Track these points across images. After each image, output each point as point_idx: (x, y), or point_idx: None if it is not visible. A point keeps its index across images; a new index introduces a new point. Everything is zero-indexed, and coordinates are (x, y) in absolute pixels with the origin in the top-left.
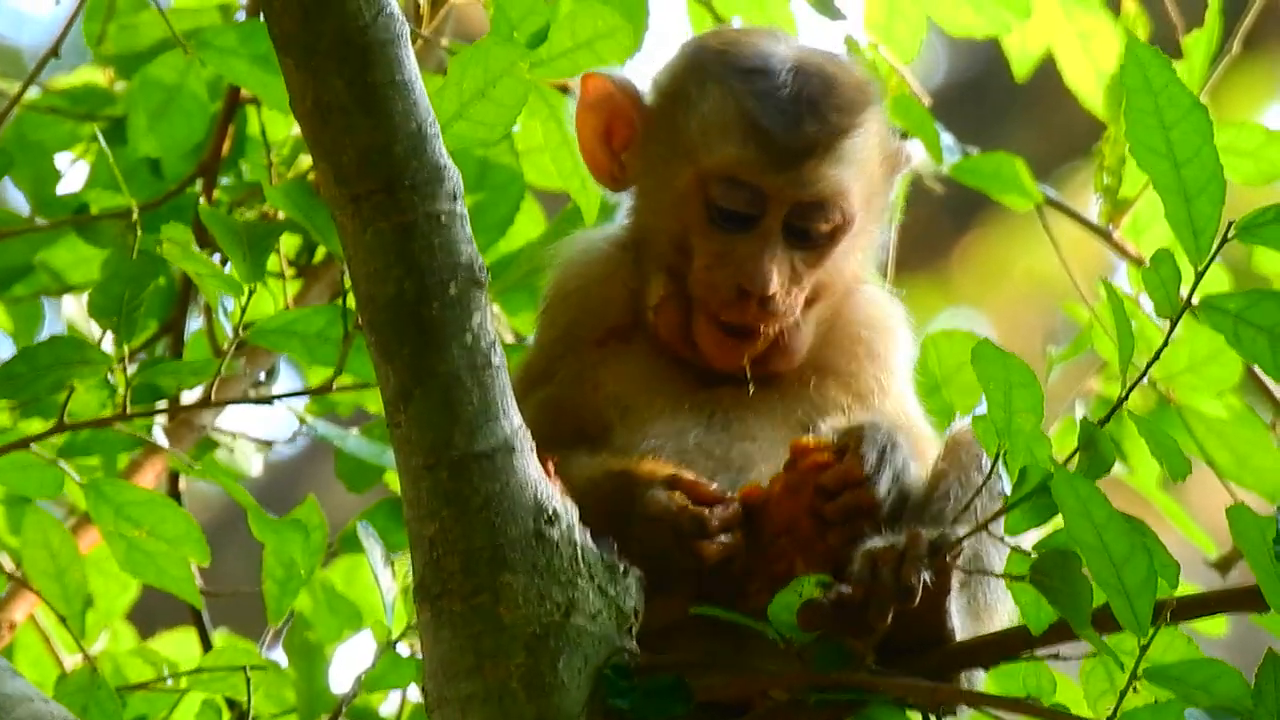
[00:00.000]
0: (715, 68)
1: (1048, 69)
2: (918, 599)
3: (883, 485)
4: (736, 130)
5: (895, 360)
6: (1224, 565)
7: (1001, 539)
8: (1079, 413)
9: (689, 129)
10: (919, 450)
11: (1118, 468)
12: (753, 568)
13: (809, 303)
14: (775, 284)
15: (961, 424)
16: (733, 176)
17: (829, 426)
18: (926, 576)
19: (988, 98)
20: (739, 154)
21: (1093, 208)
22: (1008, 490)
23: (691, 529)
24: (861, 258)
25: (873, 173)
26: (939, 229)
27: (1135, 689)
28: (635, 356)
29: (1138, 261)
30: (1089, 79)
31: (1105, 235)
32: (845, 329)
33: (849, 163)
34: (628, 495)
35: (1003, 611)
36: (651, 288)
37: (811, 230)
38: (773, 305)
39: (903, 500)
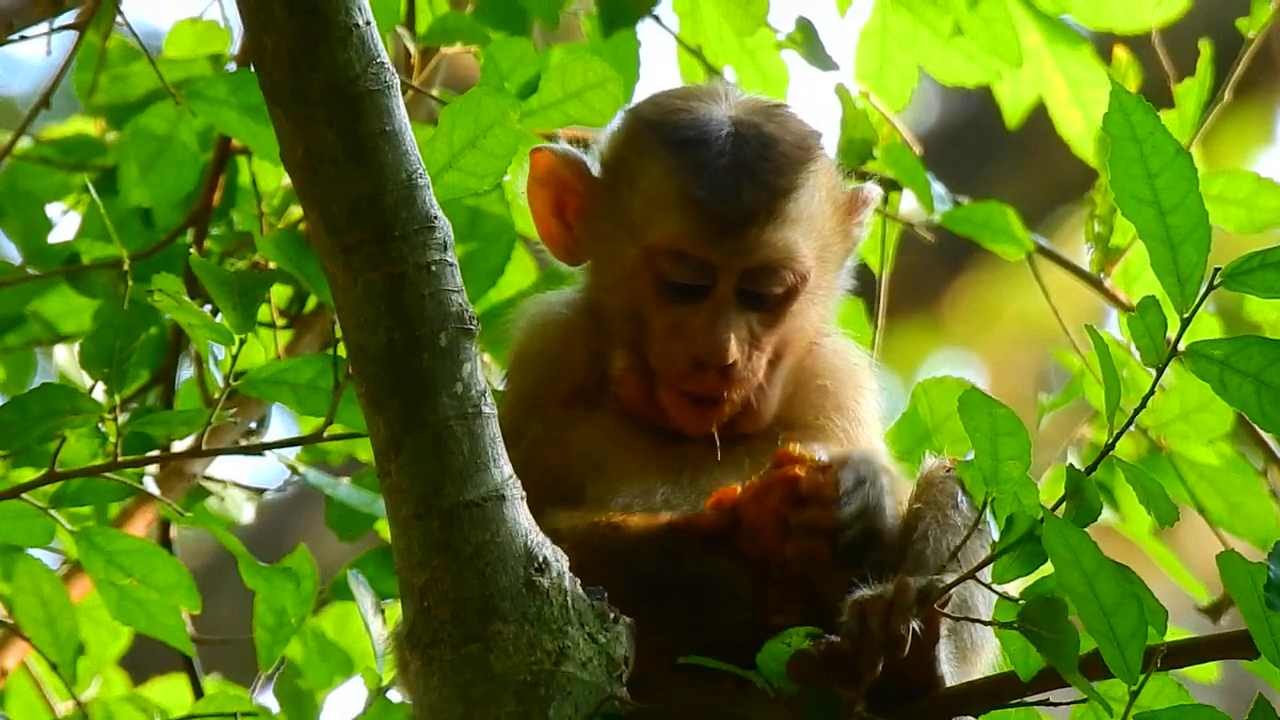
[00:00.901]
0: (653, 141)
1: (1038, 112)
2: (907, 648)
3: (849, 509)
4: (677, 205)
5: (862, 411)
6: (1215, 611)
7: (989, 586)
8: (1071, 459)
9: (632, 205)
10: (895, 492)
11: (1109, 514)
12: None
13: (772, 363)
14: (733, 352)
15: (933, 462)
16: (678, 250)
17: (823, 450)
18: (915, 625)
19: (978, 141)
20: (681, 228)
21: (1084, 255)
22: (994, 536)
23: (750, 597)
24: (822, 311)
25: (823, 226)
26: (931, 272)
27: None
28: (602, 416)
29: (1128, 309)
30: (1080, 127)
31: (1096, 283)
32: (810, 382)
33: (795, 222)
34: (654, 557)
35: (988, 650)
36: (614, 360)
37: (765, 294)
38: (734, 372)
39: (870, 537)
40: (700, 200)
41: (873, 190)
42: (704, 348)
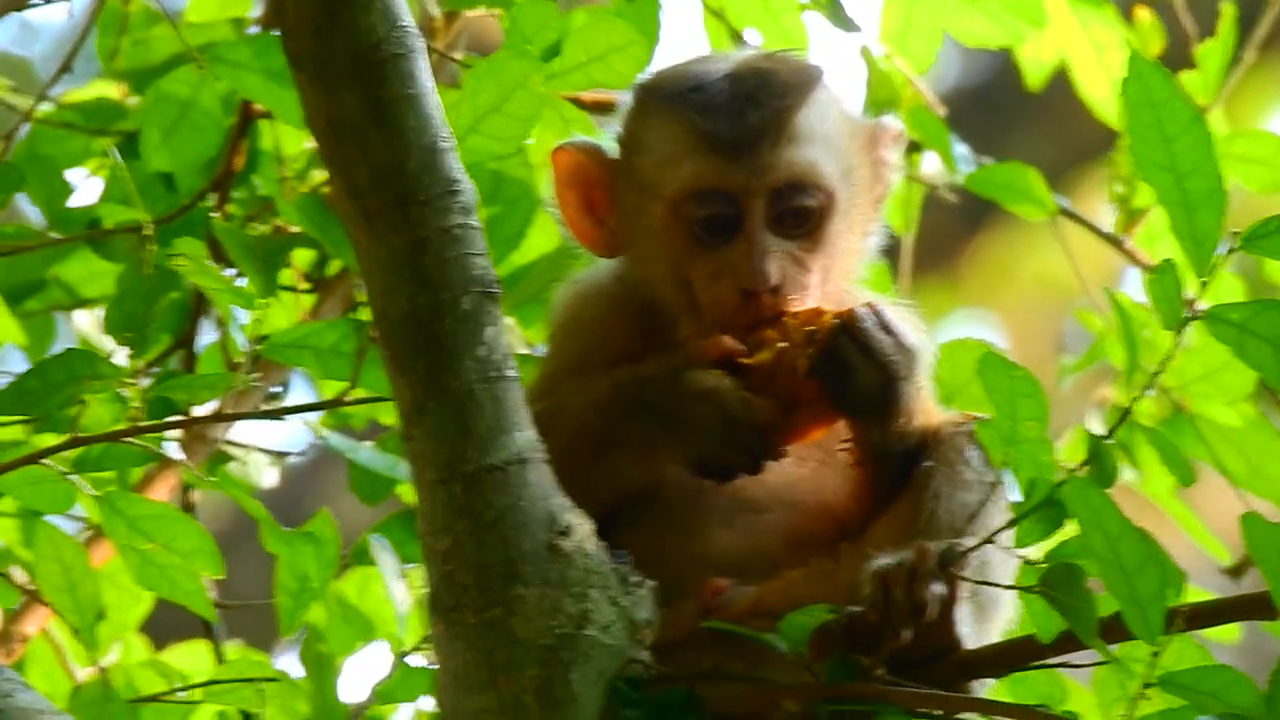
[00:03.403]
0: (654, 102)
1: (1060, 73)
2: (932, 613)
3: (881, 341)
4: (686, 146)
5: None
6: (1237, 572)
7: (1009, 550)
8: (1091, 421)
9: (647, 167)
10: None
11: (1130, 474)
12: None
13: (822, 291)
14: (774, 273)
15: (941, 417)
16: (698, 190)
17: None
18: (938, 589)
19: (999, 102)
20: (695, 166)
21: (1106, 216)
22: (1012, 496)
23: (742, 412)
24: (860, 245)
25: (841, 147)
26: (951, 231)
27: (1147, 696)
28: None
29: (1150, 269)
30: (1103, 89)
31: (1118, 244)
32: None
33: (807, 139)
34: (660, 385)
35: (1005, 608)
36: (681, 330)
37: (796, 216)
38: (783, 293)
39: (884, 393)
40: (706, 133)
41: (893, 122)
42: (746, 276)
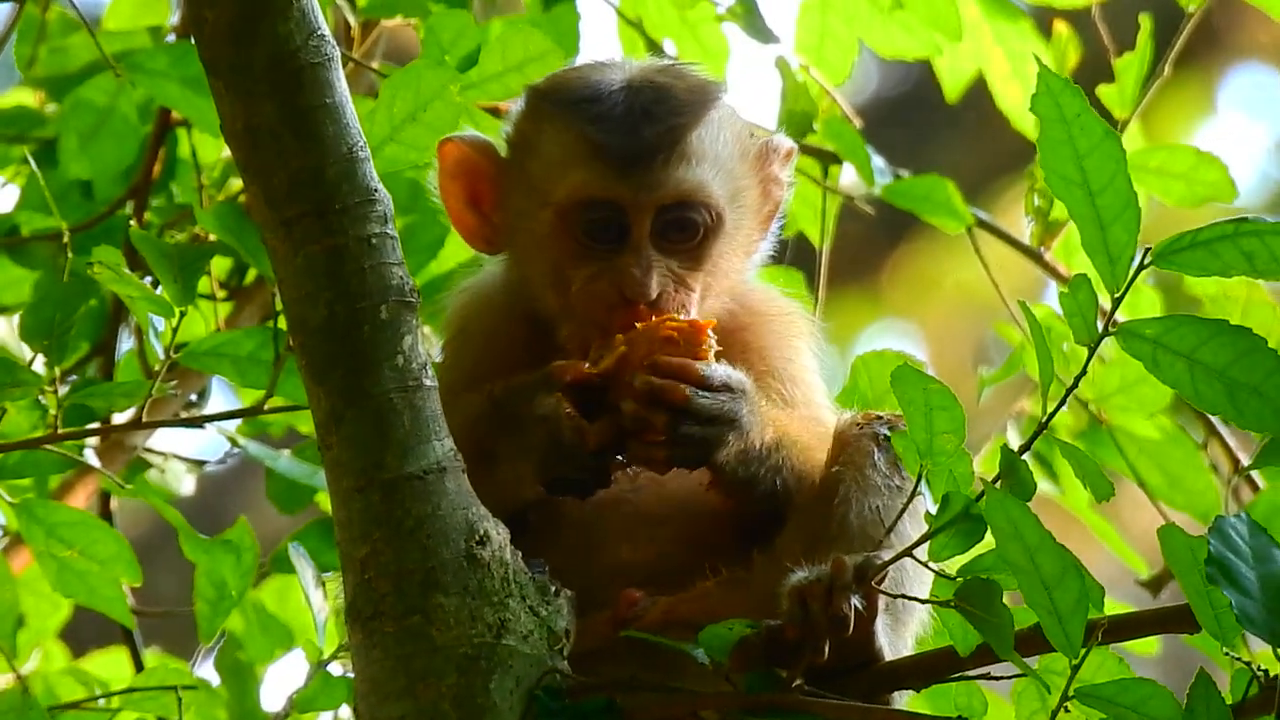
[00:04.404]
0: (548, 107)
1: (979, 84)
2: (851, 627)
3: (703, 402)
4: (579, 155)
5: (794, 368)
6: (1155, 585)
7: (926, 564)
8: (1010, 433)
9: (536, 171)
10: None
11: (1049, 487)
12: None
13: (699, 307)
14: (654, 286)
15: (845, 418)
16: (586, 199)
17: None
18: (856, 602)
19: (918, 113)
20: (586, 176)
21: (1025, 227)
22: (929, 506)
23: (572, 438)
24: (742, 263)
25: (732, 168)
26: (870, 242)
27: (1067, 709)
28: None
29: (1067, 283)
30: (1020, 101)
31: (1036, 257)
32: (734, 336)
33: (698, 159)
34: (515, 400)
35: (918, 616)
36: (560, 331)
37: (681, 232)
38: (662, 305)
39: (703, 449)
40: (599, 144)
41: (783, 141)
42: (628, 286)
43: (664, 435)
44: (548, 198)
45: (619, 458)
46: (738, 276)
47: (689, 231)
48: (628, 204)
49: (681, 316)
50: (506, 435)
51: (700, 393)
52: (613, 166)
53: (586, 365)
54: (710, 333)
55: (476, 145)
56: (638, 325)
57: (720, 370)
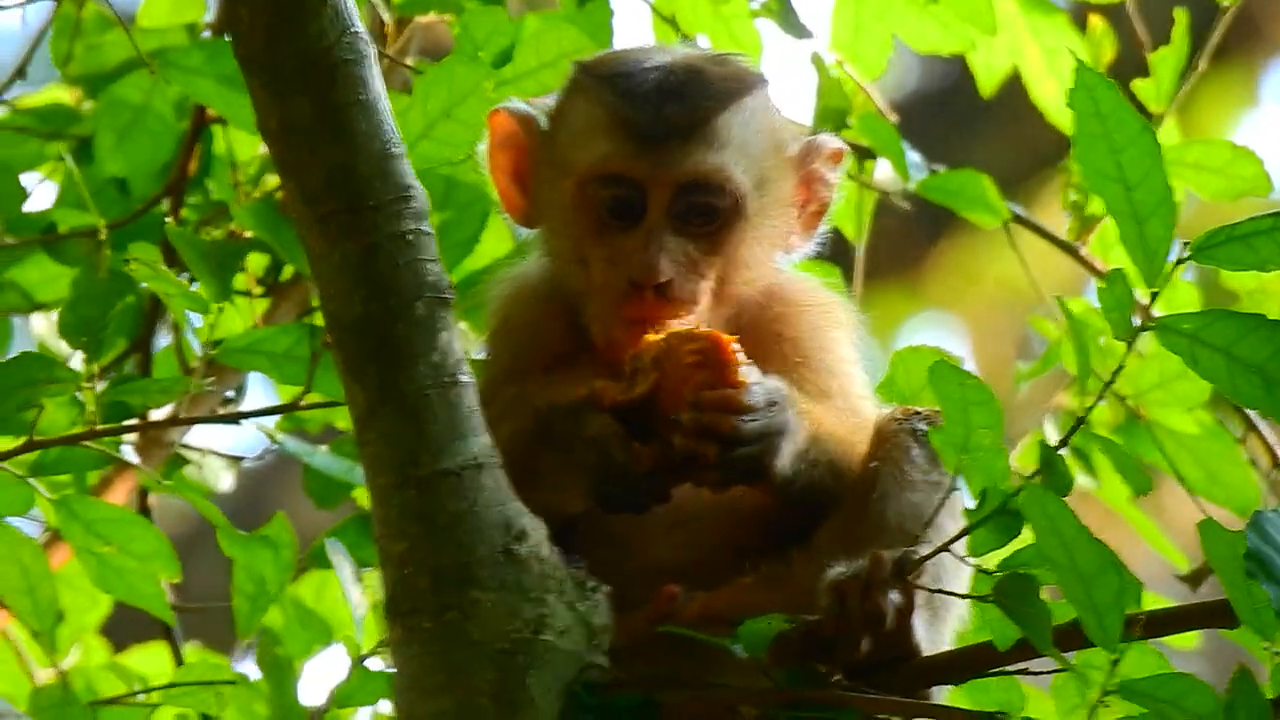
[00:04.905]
0: (584, 80)
1: (1014, 78)
2: (889, 622)
3: (751, 426)
4: (601, 128)
5: (830, 358)
6: (1195, 579)
7: (963, 559)
8: (1048, 428)
9: (565, 143)
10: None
11: (1087, 481)
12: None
13: (716, 295)
14: (664, 270)
15: (883, 414)
16: (605, 173)
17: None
18: (894, 598)
19: (955, 109)
20: (606, 148)
21: (1061, 223)
22: (966, 503)
23: (625, 460)
24: (767, 254)
25: (760, 156)
26: (910, 236)
27: (1106, 704)
28: (580, 378)
29: (1104, 278)
30: (1055, 95)
31: (1073, 251)
32: (767, 328)
33: (723, 144)
34: (562, 422)
35: (957, 611)
36: (585, 309)
37: (699, 214)
38: (670, 293)
39: (757, 466)
40: (623, 118)
41: (830, 140)
42: (636, 268)
43: (717, 461)
44: (571, 169)
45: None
46: (760, 269)
47: (707, 213)
48: (645, 180)
49: (700, 328)
50: (554, 454)
51: (746, 418)
52: (633, 141)
53: (620, 393)
54: (734, 347)
55: (520, 116)
56: (653, 336)
57: (759, 392)
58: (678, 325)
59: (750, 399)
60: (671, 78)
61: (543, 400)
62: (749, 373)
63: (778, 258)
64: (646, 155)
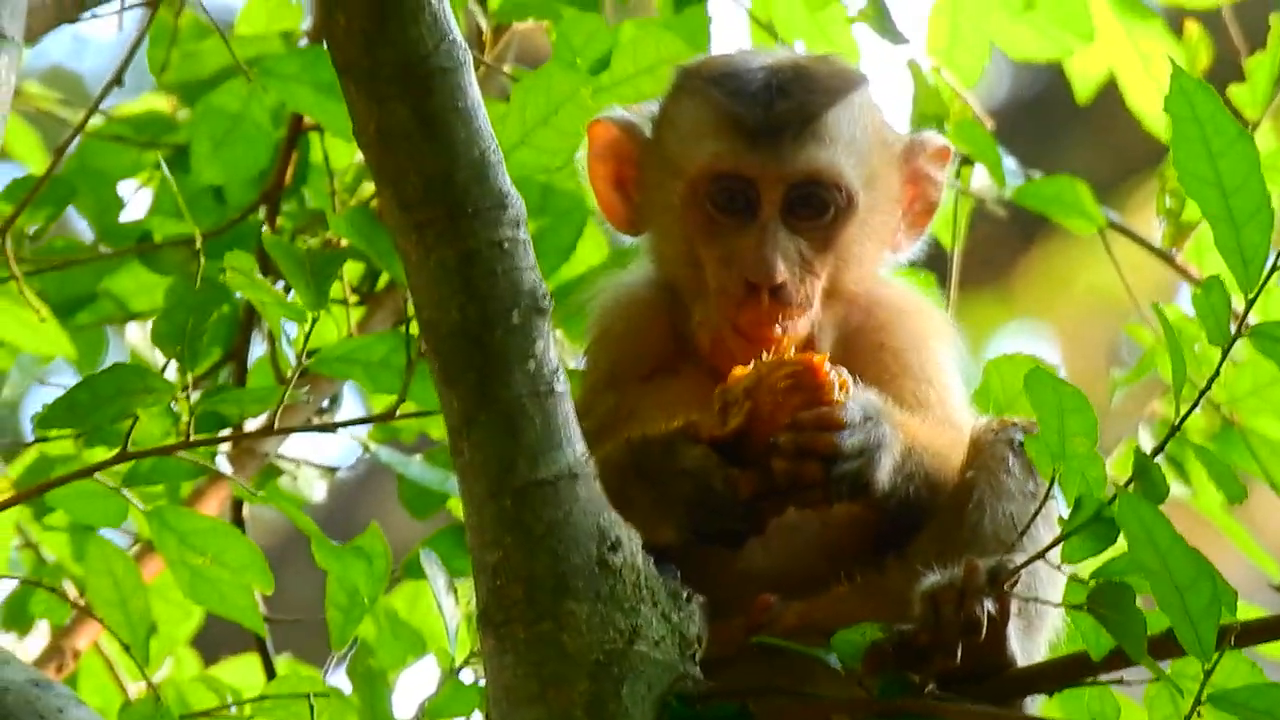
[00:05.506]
0: (691, 83)
1: (1109, 84)
2: (984, 631)
3: (851, 440)
4: (711, 128)
5: (930, 368)
6: None
7: (1058, 567)
8: (1142, 435)
9: (674, 145)
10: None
11: (1181, 489)
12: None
13: (828, 294)
14: (780, 271)
15: (980, 424)
16: (717, 172)
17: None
18: (989, 606)
19: (1050, 114)
20: (716, 148)
21: (1156, 229)
22: (1060, 509)
23: (724, 489)
24: (876, 251)
25: (868, 153)
26: (1003, 243)
27: (1199, 714)
28: (681, 385)
29: (1200, 284)
30: (1152, 102)
31: (1168, 258)
32: (869, 337)
33: (833, 140)
34: (658, 456)
35: (1054, 618)
36: (694, 314)
37: (810, 212)
38: (784, 295)
39: (860, 479)
40: (733, 117)
41: (934, 137)
42: (752, 267)
43: (820, 480)
44: (681, 170)
45: (771, 505)
46: (870, 267)
47: (820, 210)
48: (758, 178)
49: (790, 354)
50: (647, 486)
51: (845, 434)
52: (744, 140)
53: (716, 427)
54: (826, 366)
55: (622, 124)
56: (741, 369)
57: (855, 407)
58: (767, 355)
59: (847, 415)
60: (779, 76)
61: (636, 431)
62: (843, 390)
63: (886, 256)
64: (758, 153)
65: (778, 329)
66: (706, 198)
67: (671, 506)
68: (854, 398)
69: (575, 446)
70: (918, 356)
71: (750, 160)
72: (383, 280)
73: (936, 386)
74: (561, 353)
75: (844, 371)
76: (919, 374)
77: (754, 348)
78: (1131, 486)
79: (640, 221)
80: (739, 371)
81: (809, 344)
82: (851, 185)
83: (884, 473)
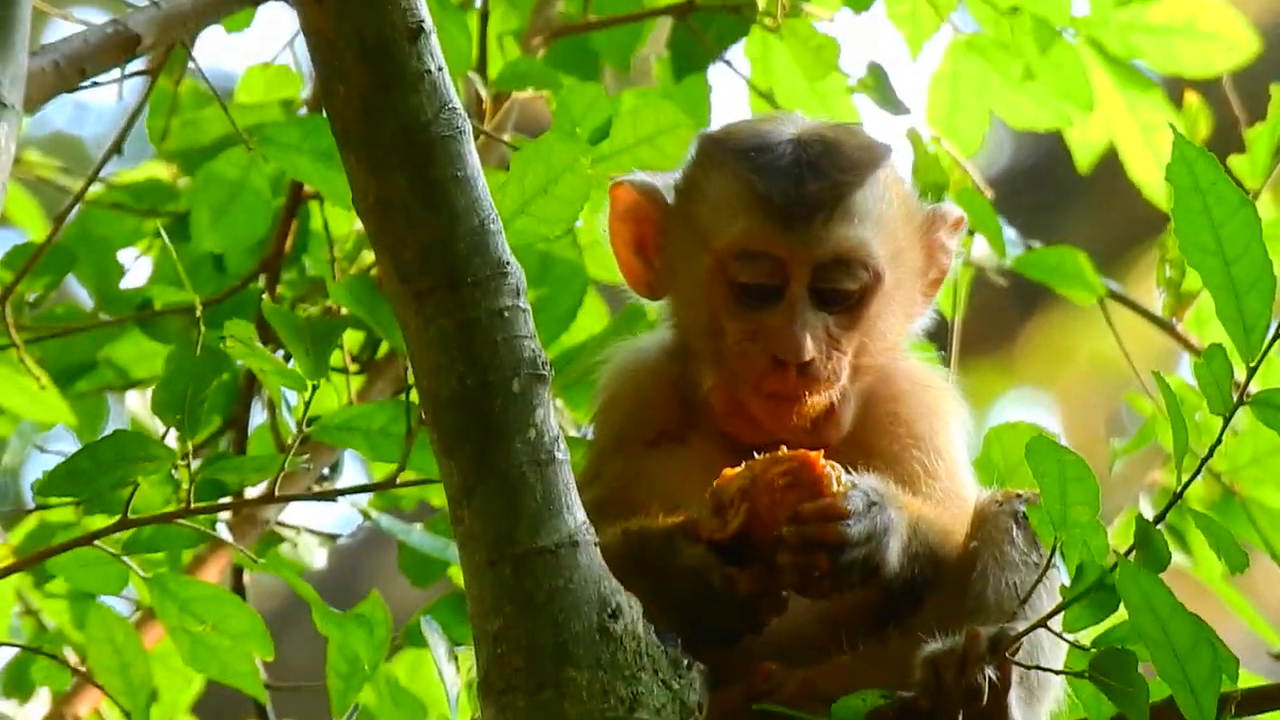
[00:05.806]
0: (718, 154)
1: (1110, 154)
2: (985, 698)
3: (856, 529)
4: (742, 204)
5: (940, 441)
6: None
7: (1059, 634)
8: (1143, 504)
9: (701, 217)
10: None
11: (1181, 558)
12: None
13: (854, 368)
14: (809, 349)
15: (984, 496)
16: (747, 250)
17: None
18: (990, 673)
19: (1051, 183)
20: (748, 226)
21: (1156, 299)
22: (1062, 578)
23: (723, 586)
24: (901, 324)
25: (895, 229)
26: (1003, 312)
27: None
28: (688, 453)
29: (1200, 353)
30: (1152, 171)
31: (1168, 328)
32: (882, 406)
33: (862, 217)
34: (656, 551)
35: (1055, 686)
36: (704, 378)
37: (839, 291)
38: (813, 371)
39: (870, 565)
40: (764, 195)
41: (952, 209)
42: (780, 345)
43: (828, 570)
44: (709, 244)
45: (769, 603)
46: (895, 340)
47: (848, 289)
48: (787, 258)
49: (783, 450)
50: (646, 579)
51: (850, 523)
52: (775, 219)
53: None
54: (821, 461)
55: (645, 190)
56: (731, 471)
57: (858, 496)
58: (759, 455)
59: (851, 504)
60: (808, 151)
61: (635, 524)
62: (843, 480)
63: (907, 327)
64: (788, 233)
65: (803, 398)
66: (734, 274)
67: (669, 602)
68: (856, 485)
69: (576, 514)
70: (929, 428)
71: (781, 241)
72: (383, 349)
73: (945, 459)
74: (561, 420)
75: (837, 466)
76: (929, 446)
77: (779, 412)
78: (1133, 555)
79: (660, 286)
80: (730, 472)
81: (830, 414)
82: (879, 263)
83: (892, 555)
